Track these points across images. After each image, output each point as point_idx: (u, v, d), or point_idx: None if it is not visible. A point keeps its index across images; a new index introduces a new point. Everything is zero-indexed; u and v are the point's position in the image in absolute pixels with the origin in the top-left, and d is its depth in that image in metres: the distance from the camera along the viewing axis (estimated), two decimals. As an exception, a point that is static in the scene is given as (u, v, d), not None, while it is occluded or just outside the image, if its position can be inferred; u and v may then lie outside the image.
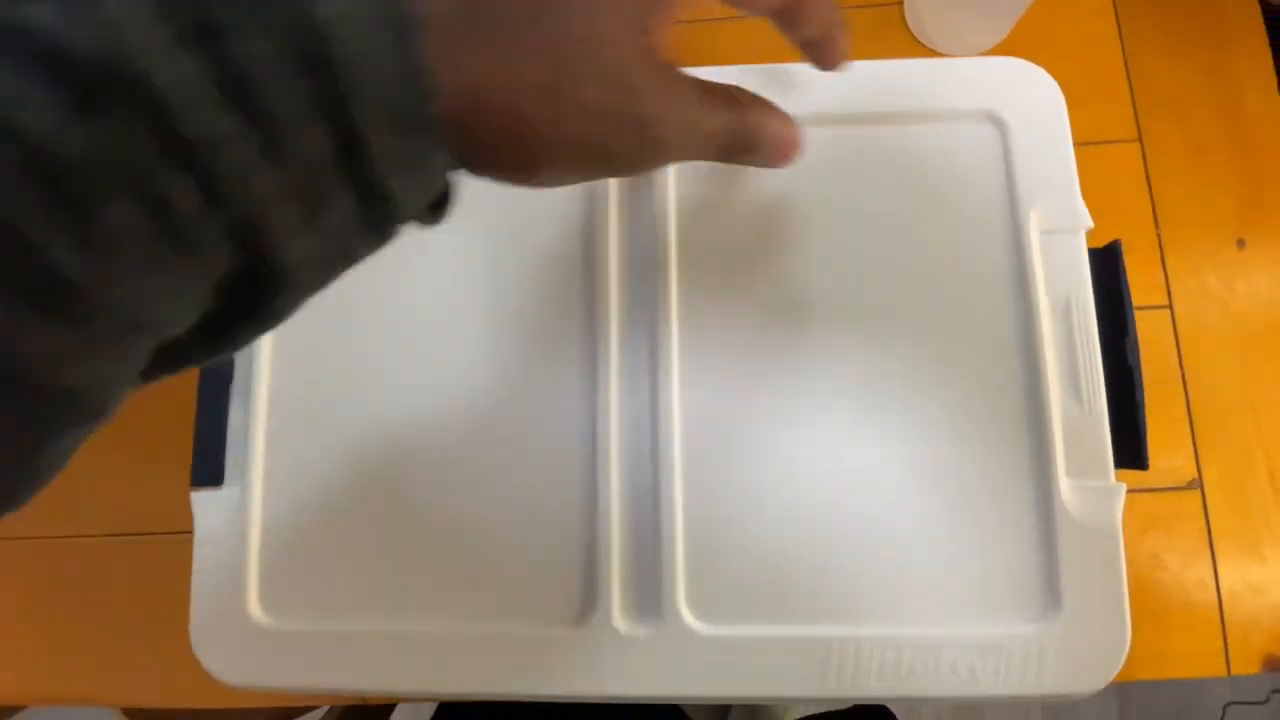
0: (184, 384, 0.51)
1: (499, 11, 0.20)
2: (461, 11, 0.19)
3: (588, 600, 0.35)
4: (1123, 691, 1.14)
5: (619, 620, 0.34)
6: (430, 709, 0.71)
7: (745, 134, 0.27)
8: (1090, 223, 0.36)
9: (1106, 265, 0.37)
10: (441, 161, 0.20)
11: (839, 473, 0.35)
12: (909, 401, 0.35)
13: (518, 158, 0.22)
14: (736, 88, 0.27)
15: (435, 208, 0.22)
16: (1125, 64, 0.53)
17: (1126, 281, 0.36)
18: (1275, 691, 1.07)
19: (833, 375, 0.36)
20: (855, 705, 0.87)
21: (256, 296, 0.19)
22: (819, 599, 0.34)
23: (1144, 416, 0.35)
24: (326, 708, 0.74)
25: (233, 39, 0.16)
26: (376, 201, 0.19)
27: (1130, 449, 0.35)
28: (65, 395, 0.17)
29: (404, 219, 0.21)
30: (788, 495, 0.35)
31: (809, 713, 0.99)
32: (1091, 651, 0.32)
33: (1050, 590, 0.33)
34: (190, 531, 0.50)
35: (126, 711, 0.62)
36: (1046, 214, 0.36)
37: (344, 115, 0.17)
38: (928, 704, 0.34)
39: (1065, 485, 0.34)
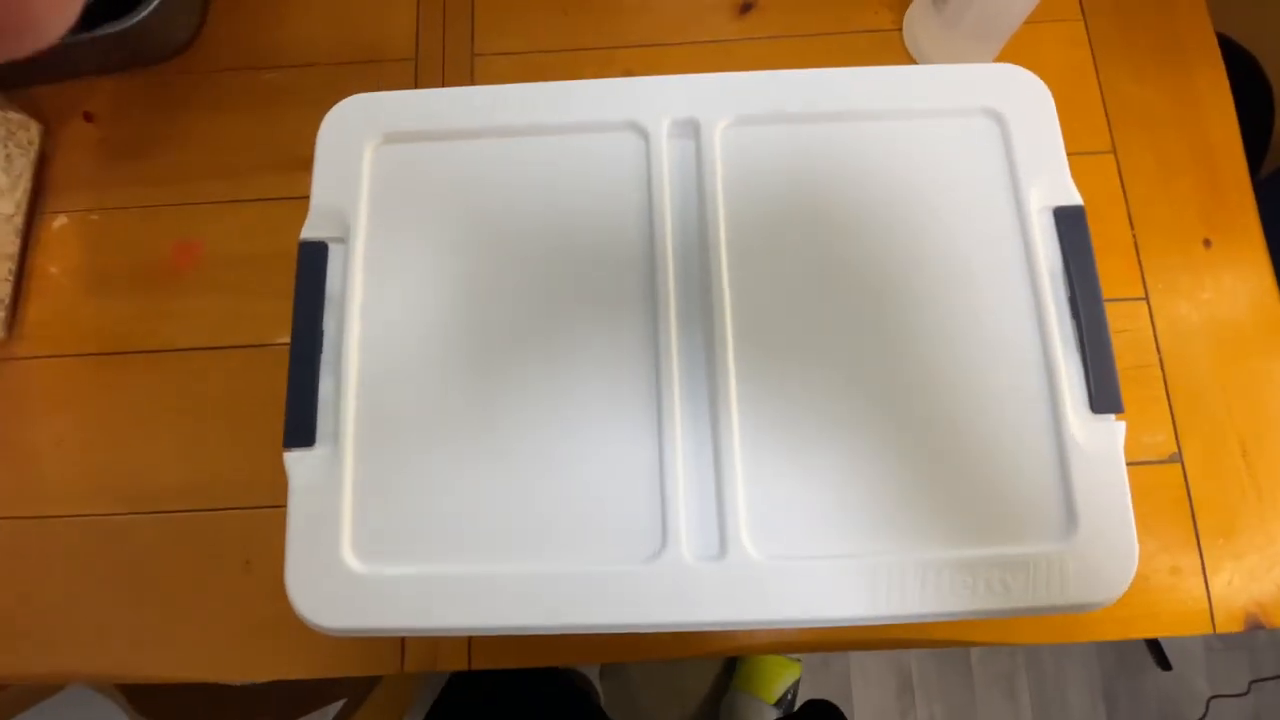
0: (233, 371, 0.54)
1: None
2: None
3: (660, 538, 0.38)
4: (1110, 689, 1.17)
5: (688, 555, 0.37)
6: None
7: None
8: (1080, 200, 0.41)
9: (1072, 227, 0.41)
10: None
11: (881, 418, 0.39)
12: (939, 358, 0.40)
13: None
14: None
15: None
16: (1099, 85, 0.59)
17: (1090, 240, 0.41)
18: (1255, 682, 1.11)
19: (869, 335, 0.40)
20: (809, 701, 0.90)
21: None
22: (868, 528, 0.38)
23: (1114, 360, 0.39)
24: (343, 701, 0.75)
25: None
26: None
27: (1108, 393, 0.39)
28: None
29: None
30: (835, 437, 0.39)
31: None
32: (1107, 565, 0.37)
33: (1068, 512, 0.37)
34: (236, 508, 0.53)
35: (137, 689, 0.61)
36: (1044, 193, 0.42)
37: None
38: (963, 616, 0.37)
39: (1074, 422, 0.38)
